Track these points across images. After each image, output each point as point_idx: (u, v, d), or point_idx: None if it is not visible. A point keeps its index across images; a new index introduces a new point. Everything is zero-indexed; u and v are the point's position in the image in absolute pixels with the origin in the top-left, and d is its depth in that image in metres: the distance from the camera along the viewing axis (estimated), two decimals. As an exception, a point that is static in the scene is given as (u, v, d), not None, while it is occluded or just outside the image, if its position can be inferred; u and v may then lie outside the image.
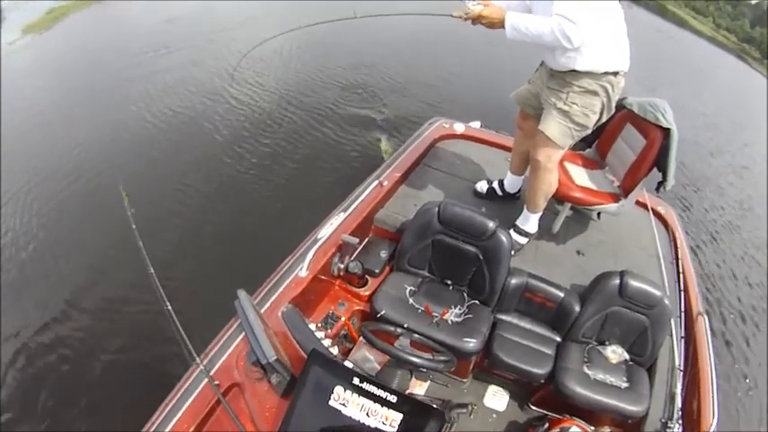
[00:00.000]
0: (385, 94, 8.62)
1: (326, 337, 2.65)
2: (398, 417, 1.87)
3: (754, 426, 4.59)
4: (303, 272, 2.75)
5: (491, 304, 3.04)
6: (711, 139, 11.29)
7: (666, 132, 3.12)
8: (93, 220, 5.23)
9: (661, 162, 3.20)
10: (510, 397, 3.22)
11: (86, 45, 9.99)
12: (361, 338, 2.76)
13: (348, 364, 2.34)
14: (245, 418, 2.14)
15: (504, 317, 3.09)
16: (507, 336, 2.97)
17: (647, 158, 3.21)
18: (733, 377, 5.03)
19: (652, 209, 3.86)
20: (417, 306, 2.90)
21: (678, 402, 2.63)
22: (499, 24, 2.68)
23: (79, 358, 3.92)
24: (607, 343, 2.95)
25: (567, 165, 3.53)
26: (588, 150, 3.84)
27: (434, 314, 2.86)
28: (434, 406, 1.95)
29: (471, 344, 2.73)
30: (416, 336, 2.57)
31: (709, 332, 3.11)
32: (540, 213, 3.36)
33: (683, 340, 2.93)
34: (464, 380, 3.23)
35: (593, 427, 2.64)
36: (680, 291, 3.22)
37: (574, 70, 2.77)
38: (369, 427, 1.87)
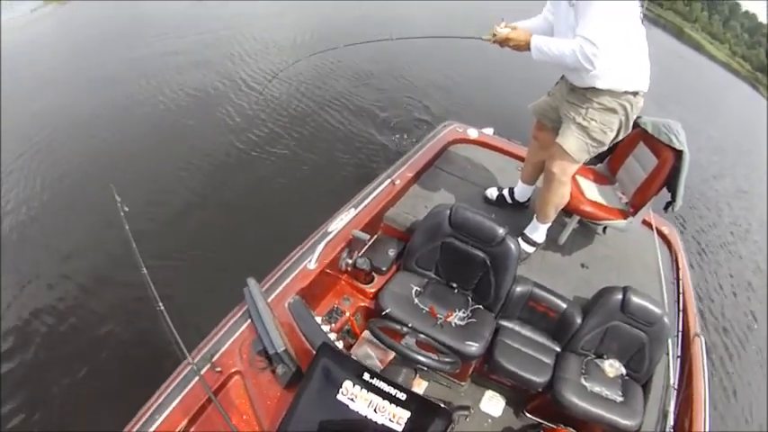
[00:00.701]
0: (400, 97, 8.66)
1: (330, 330, 2.66)
2: (406, 415, 1.87)
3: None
4: (312, 264, 2.78)
5: (495, 310, 3.06)
6: (716, 162, 11.40)
7: (678, 154, 3.15)
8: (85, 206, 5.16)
9: (671, 183, 3.23)
10: (506, 403, 3.24)
11: (105, 20, 9.95)
12: (363, 335, 2.79)
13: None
14: (245, 407, 2.16)
15: (506, 323, 3.11)
16: (509, 342, 3.00)
17: (658, 178, 3.24)
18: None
19: (656, 228, 3.89)
20: (422, 306, 2.92)
21: (671, 420, 2.66)
22: (525, 47, 2.76)
23: (73, 352, 3.86)
24: (605, 357, 2.97)
25: (579, 178, 3.56)
26: (600, 165, 3.86)
27: (439, 316, 2.88)
28: (442, 405, 1.96)
29: (473, 348, 2.75)
30: (422, 336, 2.58)
31: (705, 353, 3.14)
32: (549, 224, 3.38)
33: (679, 359, 2.95)
34: (462, 383, 3.25)
35: None
36: (678, 311, 3.24)
37: (594, 87, 2.81)
38: (376, 423, 1.87)
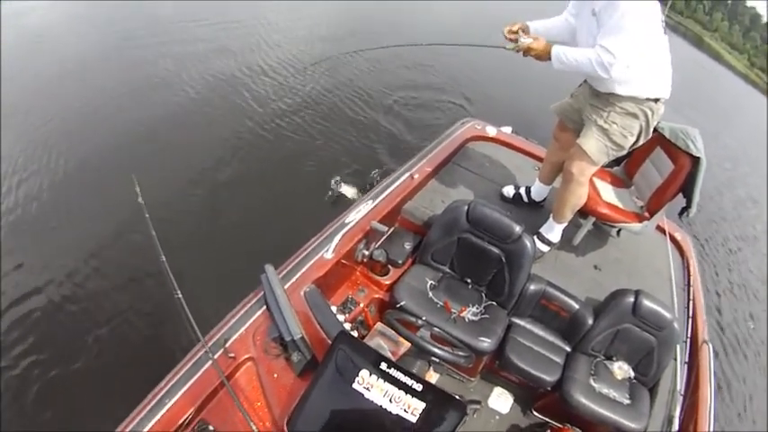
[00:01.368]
0: (422, 93, 8.71)
1: (345, 321, 2.68)
2: (421, 406, 1.87)
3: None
4: (329, 254, 2.80)
5: (508, 307, 3.08)
6: (729, 170, 11.38)
7: (695, 160, 3.16)
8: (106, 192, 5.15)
9: (687, 189, 3.25)
10: (514, 400, 3.26)
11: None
12: (376, 326, 2.81)
13: None
14: (257, 394, 2.17)
15: (518, 321, 3.13)
16: (520, 340, 3.01)
17: (674, 183, 3.25)
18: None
19: (669, 234, 3.91)
20: (436, 300, 2.94)
21: (675, 425, 2.68)
22: (546, 57, 2.84)
23: (88, 336, 3.89)
24: (614, 358, 2.99)
25: (596, 180, 3.56)
26: (616, 168, 3.87)
27: (453, 311, 2.90)
28: (457, 397, 1.96)
29: (486, 343, 2.77)
30: (436, 329, 2.60)
31: (712, 361, 3.14)
32: (565, 224, 3.41)
33: (686, 365, 2.96)
34: (472, 378, 3.28)
35: None
36: (688, 317, 3.26)
37: (615, 93, 2.85)
38: (390, 413, 1.87)
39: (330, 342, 2.08)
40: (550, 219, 3.41)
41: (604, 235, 3.87)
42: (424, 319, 2.68)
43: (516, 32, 2.92)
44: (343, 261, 2.91)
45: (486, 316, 2.96)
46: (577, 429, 2.77)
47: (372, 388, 1.90)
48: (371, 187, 3.66)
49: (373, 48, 3.39)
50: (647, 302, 2.88)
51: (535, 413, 3.22)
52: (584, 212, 3.45)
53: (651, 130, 2.99)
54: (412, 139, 7.20)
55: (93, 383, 3.56)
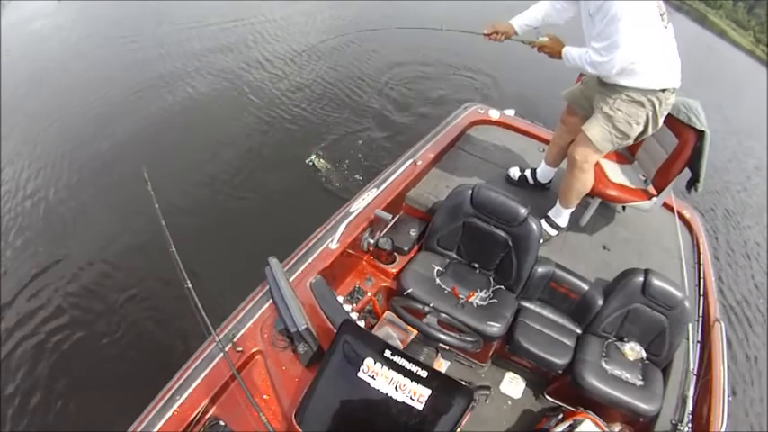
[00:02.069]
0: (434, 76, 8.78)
1: (352, 310, 2.66)
2: (427, 392, 1.85)
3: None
4: (333, 244, 2.78)
5: (516, 291, 3.06)
6: (734, 145, 11.27)
7: (700, 134, 3.11)
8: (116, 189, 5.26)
9: (693, 163, 3.20)
10: (526, 385, 3.26)
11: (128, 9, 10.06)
12: (384, 315, 2.80)
13: None
14: (266, 386, 2.17)
15: (527, 304, 3.11)
16: (530, 323, 3.00)
17: (680, 159, 3.20)
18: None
19: (678, 212, 3.85)
20: (444, 287, 2.93)
21: (690, 405, 2.64)
22: (558, 55, 3.01)
23: (95, 331, 3.94)
24: (626, 339, 2.97)
25: (602, 161, 3.49)
26: None
27: (460, 296, 2.89)
28: (463, 383, 1.94)
29: (495, 328, 2.76)
30: (443, 315, 2.58)
31: (725, 339, 3.12)
32: (573, 209, 3.38)
33: (699, 345, 2.93)
34: (483, 364, 3.27)
35: (605, 423, 2.66)
36: (699, 295, 3.22)
37: (620, 84, 2.87)
38: (396, 400, 1.86)
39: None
40: (558, 204, 3.38)
41: (612, 214, 3.84)
42: (431, 305, 2.66)
43: (495, 34, 3.20)
44: (348, 251, 2.90)
45: (495, 300, 2.95)
46: (590, 412, 2.73)
47: (378, 376, 1.88)
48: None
49: (385, 29, 3.37)
50: (656, 281, 2.85)
51: (547, 397, 3.21)
52: (595, 195, 3.42)
53: (660, 120, 2.96)
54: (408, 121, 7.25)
55: (103, 379, 3.61)
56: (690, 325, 2.98)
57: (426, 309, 2.57)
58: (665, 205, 3.75)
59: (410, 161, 3.51)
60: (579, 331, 3.08)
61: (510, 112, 4.70)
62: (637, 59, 2.71)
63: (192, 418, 2.01)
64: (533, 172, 3.80)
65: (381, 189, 3.23)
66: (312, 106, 7.17)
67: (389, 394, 1.87)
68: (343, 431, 1.98)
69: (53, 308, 4.01)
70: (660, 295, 2.84)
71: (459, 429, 1.88)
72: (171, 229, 2.24)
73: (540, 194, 3.72)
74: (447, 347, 2.52)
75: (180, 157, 5.81)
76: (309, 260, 2.68)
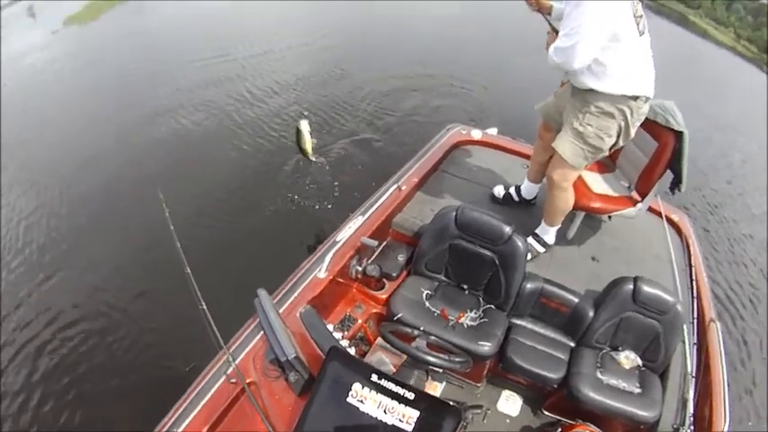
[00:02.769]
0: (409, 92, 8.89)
1: (343, 338, 2.68)
2: (415, 414, 1.88)
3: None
4: (322, 273, 2.80)
5: (506, 309, 3.07)
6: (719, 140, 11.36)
7: (678, 135, 3.13)
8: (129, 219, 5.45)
9: (674, 165, 3.23)
10: (523, 402, 3.25)
11: (123, 42, 10.35)
12: (377, 341, 2.81)
13: None
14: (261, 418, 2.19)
15: (518, 321, 3.12)
16: (522, 340, 3.00)
17: (661, 161, 3.22)
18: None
19: (666, 216, 3.88)
20: (434, 309, 2.94)
21: (690, 408, 2.64)
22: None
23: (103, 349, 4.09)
24: (620, 348, 2.97)
25: (584, 172, 3.51)
26: None
27: (450, 318, 2.90)
28: (451, 403, 1.96)
29: (486, 347, 2.77)
30: (433, 337, 2.59)
31: (721, 339, 3.12)
32: (559, 226, 3.39)
33: (695, 347, 2.94)
34: (478, 384, 3.26)
35: None
36: (693, 297, 3.23)
37: (593, 90, 2.83)
38: (386, 424, 1.88)
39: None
40: (543, 222, 3.40)
41: (598, 224, 3.84)
42: (421, 328, 2.67)
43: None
44: (337, 279, 2.91)
45: (485, 320, 2.96)
46: (590, 424, 2.74)
47: (366, 400, 1.92)
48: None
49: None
50: (646, 288, 2.86)
51: (546, 413, 3.20)
52: (579, 209, 3.43)
53: (633, 130, 2.95)
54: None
55: (106, 402, 3.73)
56: (685, 327, 2.98)
57: (415, 332, 2.59)
58: (653, 210, 3.79)
59: (395, 186, 3.54)
60: (572, 344, 3.08)
61: (493, 131, 4.75)
62: (604, 57, 2.68)
63: None
64: (518, 189, 3.81)
65: (367, 216, 3.25)
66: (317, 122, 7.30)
67: (379, 418, 1.89)
68: None
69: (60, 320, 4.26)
70: (651, 301, 2.85)
71: None
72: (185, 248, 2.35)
73: (526, 211, 3.74)
74: (438, 369, 2.53)
75: (177, 182, 6.04)
76: (298, 290, 2.70)
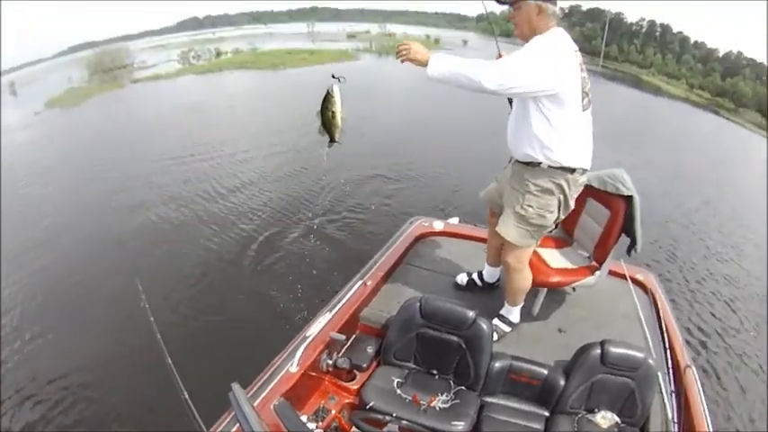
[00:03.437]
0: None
1: (318, 428, 2.74)
2: None
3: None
4: (293, 368, 2.87)
5: (477, 389, 3.12)
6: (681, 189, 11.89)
7: (628, 199, 3.30)
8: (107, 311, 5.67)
9: (628, 227, 3.37)
10: None
11: (102, 131, 10.84)
12: (352, 430, 2.86)
13: None
14: None
15: (490, 399, 3.16)
16: (495, 416, 3.02)
17: (615, 228, 3.37)
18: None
19: (630, 277, 4.01)
20: (405, 396, 2.99)
21: None
22: (424, 62, 2.73)
23: None
24: (596, 410, 3.00)
25: (540, 250, 3.65)
26: (555, 231, 3.92)
27: (422, 402, 2.94)
28: None
29: (459, 426, 2.80)
30: (404, 422, 2.66)
31: (699, 382, 3.18)
32: (522, 304, 3.47)
33: (674, 394, 3.01)
34: None
35: None
36: (665, 348, 3.33)
37: (531, 163, 2.93)
38: None
39: None
40: (506, 303, 3.49)
41: (562, 297, 3.94)
42: (394, 415, 2.74)
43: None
44: (309, 372, 2.98)
45: (457, 401, 3.00)
46: None
47: None
48: None
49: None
50: (614, 349, 2.92)
51: None
52: (539, 286, 3.53)
53: (572, 202, 3.04)
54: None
55: None
56: (661, 378, 3.06)
57: (387, 418, 2.66)
58: (617, 274, 3.93)
59: (360, 282, 3.66)
60: (547, 414, 3.11)
61: (454, 221, 4.98)
62: (546, 127, 2.75)
63: None
64: (480, 274, 3.92)
65: (335, 312, 3.35)
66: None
67: None
68: None
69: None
70: (620, 361, 2.91)
71: None
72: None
73: (491, 294, 3.85)
74: None
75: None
76: (272, 384, 2.76)
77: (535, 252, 3.51)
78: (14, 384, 4.75)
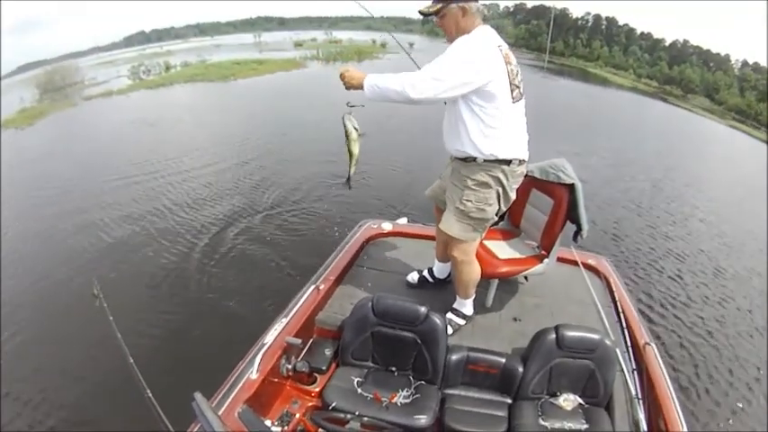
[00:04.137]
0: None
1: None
2: None
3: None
4: (254, 375, 2.85)
5: (437, 382, 3.14)
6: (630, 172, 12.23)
7: (570, 187, 3.38)
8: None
9: (572, 215, 3.45)
10: None
11: (56, 150, 10.70)
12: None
13: None
14: None
15: (451, 391, 3.18)
16: (458, 407, 3.04)
17: (559, 216, 3.46)
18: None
19: (582, 263, 4.11)
20: (366, 394, 2.99)
21: (643, 425, 2.75)
22: (359, 85, 2.87)
23: None
24: (558, 394, 3.03)
25: (487, 242, 3.71)
26: (502, 223, 4.07)
27: (383, 399, 2.95)
28: None
29: (422, 419, 2.81)
30: (366, 419, 2.66)
31: (660, 359, 3.25)
32: (474, 296, 3.51)
33: (635, 372, 3.07)
34: None
35: None
36: (623, 328, 3.38)
37: (467, 159, 3.00)
38: None
39: None
40: (457, 296, 3.53)
41: (515, 286, 4.01)
42: (356, 413, 2.74)
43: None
44: (270, 378, 2.96)
45: (418, 395, 3.02)
46: None
47: None
48: None
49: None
50: (569, 333, 2.97)
51: None
52: (488, 278, 3.57)
53: (512, 193, 3.13)
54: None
55: None
56: (621, 357, 3.12)
57: (348, 416, 2.66)
58: (570, 261, 4.01)
59: (313, 287, 3.67)
60: (510, 401, 3.14)
61: (403, 221, 5.07)
62: (478, 123, 2.82)
63: None
64: (431, 271, 3.96)
65: (290, 317, 3.34)
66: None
67: None
68: None
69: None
70: (577, 344, 2.96)
71: None
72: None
73: (443, 289, 3.88)
74: None
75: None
76: (234, 392, 2.74)
77: (482, 244, 3.57)
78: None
